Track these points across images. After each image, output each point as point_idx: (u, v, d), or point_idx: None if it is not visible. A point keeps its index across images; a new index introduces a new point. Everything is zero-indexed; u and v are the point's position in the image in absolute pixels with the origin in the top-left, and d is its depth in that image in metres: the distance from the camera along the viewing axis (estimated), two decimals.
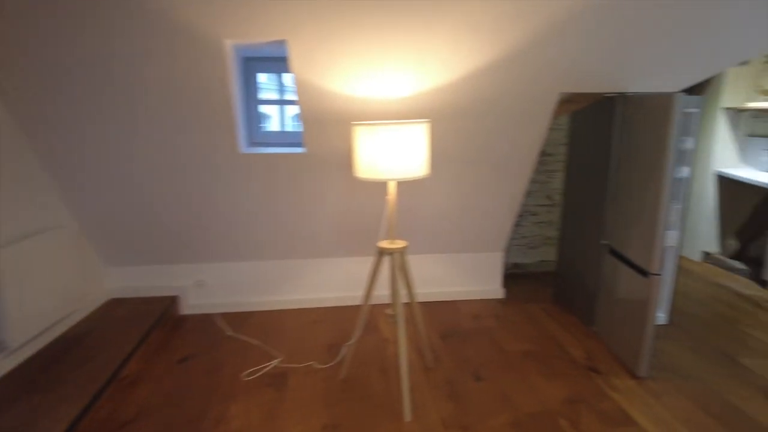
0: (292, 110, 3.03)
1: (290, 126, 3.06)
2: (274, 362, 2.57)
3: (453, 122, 2.58)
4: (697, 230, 4.23)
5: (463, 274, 3.40)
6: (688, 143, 2.31)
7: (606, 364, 2.53)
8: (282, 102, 3.00)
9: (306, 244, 3.11)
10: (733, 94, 3.98)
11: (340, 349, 2.69)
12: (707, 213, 4.18)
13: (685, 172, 2.38)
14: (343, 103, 2.41)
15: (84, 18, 1.95)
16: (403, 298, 2.74)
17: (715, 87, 3.99)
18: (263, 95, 2.90)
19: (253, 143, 2.91)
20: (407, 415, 2.11)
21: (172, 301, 3.08)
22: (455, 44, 2.15)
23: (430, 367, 2.51)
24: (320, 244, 3.12)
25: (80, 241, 2.86)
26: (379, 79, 2.31)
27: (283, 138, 2.99)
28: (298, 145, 2.80)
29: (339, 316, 3.14)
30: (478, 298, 3.42)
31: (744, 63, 3.82)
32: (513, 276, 3.86)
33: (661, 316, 3.00)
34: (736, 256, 4.06)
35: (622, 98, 2.57)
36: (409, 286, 2.31)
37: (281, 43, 2.17)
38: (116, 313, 2.92)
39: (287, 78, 2.96)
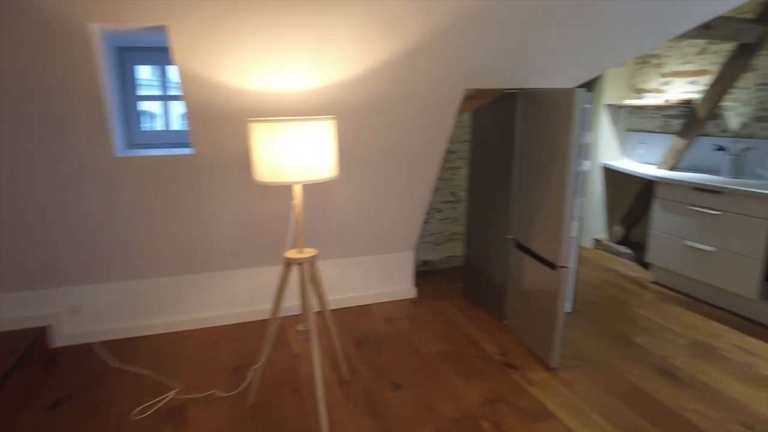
0: (180, 107, 2.71)
1: (179, 125, 2.74)
2: (171, 394, 2.26)
3: (359, 119, 2.44)
4: (588, 219, 4.53)
5: (374, 277, 3.29)
6: (587, 137, 2.39)
7: (520, 358, 2.56)
8: (167, 98, 2.66)
9: (202, 257, 2.80)
10: (612, 92, 4.30)
11: (248, 372, 2.44)
12: (596, 203, 4.48)
13: (585, 165, 2.46)
14: (237, 97, 2.16)
15: None
16: (315, 307, 2.57)
17: (597, 85, 4.28)
18: (145, 91, 2.56)
19: (133, 145, 2.55)
20: None
21: (40, 332, 2.61)
22: (356, 36, 2.02)
23: (346, 379, 2.36)
24: (219, 255, 2.83)
25: None
26: (276, 71, 2.10)
27: (169, 138, 2.66)
28: (187, 145, 2.49)
29: (244, 333, 2.87)
30: (391, 299, 3.34)
31: (620, 64, 4.14)
32: (423, 273, 3.84)
33: (565, 305, 3.12)
34: (622, 242, 4.40)
35: (524, 94, 2.61)
36: (320, 295, 2.14)
37: (161, 30, 1.89)
38: None
39: (173, 71, 2.63)
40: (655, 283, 3.67)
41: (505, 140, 2.79)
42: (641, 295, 3.45)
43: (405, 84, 2.33)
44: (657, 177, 3.53)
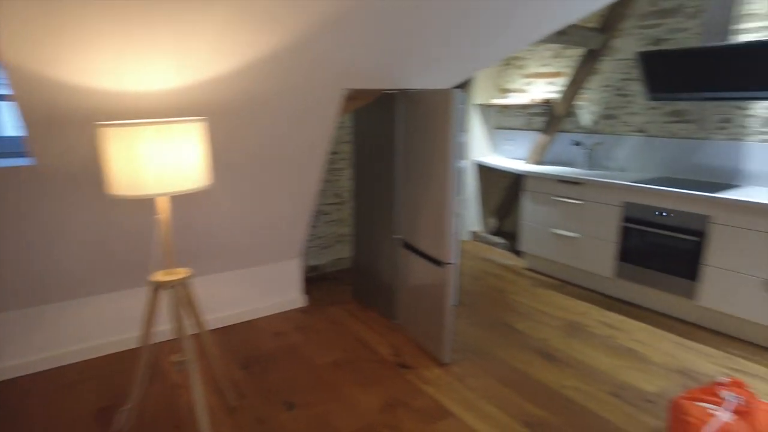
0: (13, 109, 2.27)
1: (14, 130, 2.30)
2: None
3: (233, 120, 2.25)
4: (465, 213, 4.74)
5: (260, 289, 3.09)
6: (463, 137, 2.45)
7: (414, 357, 2.57)
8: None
9: (51, 285, 2.39)
10: (481, 92, 4.54)
11: (116, 414, 2.12)
12: (471, 197, 4.71)
13: (462, 164, 2.53)
14: (85, 98, 1.85)
15: None
16: (193, 329, 2.32)
17: (468, 85, 4.49)
18: None
19: None
20: None
21: None
22: (228, 30, 1.83)
23: (234, 405, 2.17)
24: (72, 281, 2.43)
25: None
26: (132, 67, 1.83)
27: (2, 146, 2.22)
28: (23, 154, 2.09)
29: (110, 368, 2.51)
30: (280, 311, 3.17)
31: (491, 65, 4.38)
32: (312, 279, 3.71)
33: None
34: (497, 233, 4.69)
35: (403, 95, 2.60)
36: (197, 317, 1.93)
37: None
38: None
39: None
40: (529, 269, 3.95)
41: (386, 141, 2.77)
42: (517, 281, 3.68)
43: (282, 82, 2.18)
44: (524, 171, 3.79)
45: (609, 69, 3.68)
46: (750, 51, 2.67)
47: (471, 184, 4.66)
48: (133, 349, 2.69)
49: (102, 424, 2.05)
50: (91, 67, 1.76)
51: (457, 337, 2.78)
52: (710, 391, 1.76)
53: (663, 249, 2.97)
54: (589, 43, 3.58)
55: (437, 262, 2.46)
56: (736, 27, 2.92)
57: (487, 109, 4.64)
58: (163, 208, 1.71)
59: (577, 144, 3.90)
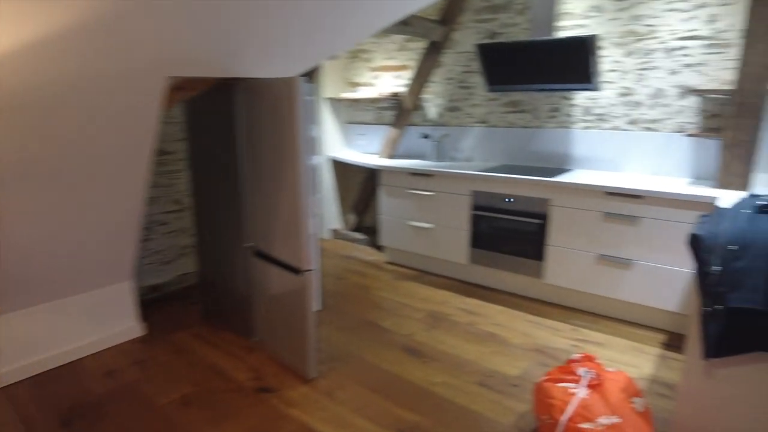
0: None
1: None
2: None
3: (19, 117, 1.74)
4: (323, 211, 4.56)
5: (84, 321, 2.55)
6: (313, 131, 2.25)
7: (276, 378, 2.31)
8: None
9: None
10: (330, 86, 4.38)
11: None
12: (328, 194, 4.55)
13: (316, 160, 2.33)
14: None
15: None
16: None
17: (316, 79, 4.29)
18: None
19: None
20: None
21: None
22: None
23: None
24: None
25: None
26: None
27: None
28: None
29: None
30: (111, 344, 2.65)
31: (333, 57, 4.23)
32: (152, 302, 3.20)
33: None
34: (356, 228, 4.59)
35: (242, 83, 2.31)
36: None
37: None
38: None
39: None
40: (390, 263, 3.92)
41: (226, 136, 2.45)
42: (379, 277, 3.62)
43: (85, 69, 1.75)
44: (378, 166, 3.74)
45: (451, 62, 3.78)
46: (565, 46, 2.90)
47: (327, 181, 4.49)
48: None
49: None
50: None
51: (322, 345, 2.59)
52: (567, 370, 1.83)
53: (511, 233, 3.12)
54: (431, 35, 3.62)
55: (295, 270, 2.23)
56: (557, 24, 3.17)
57: (337, 103, 4.50)
58: None
59: (426, 137, 3.96)
